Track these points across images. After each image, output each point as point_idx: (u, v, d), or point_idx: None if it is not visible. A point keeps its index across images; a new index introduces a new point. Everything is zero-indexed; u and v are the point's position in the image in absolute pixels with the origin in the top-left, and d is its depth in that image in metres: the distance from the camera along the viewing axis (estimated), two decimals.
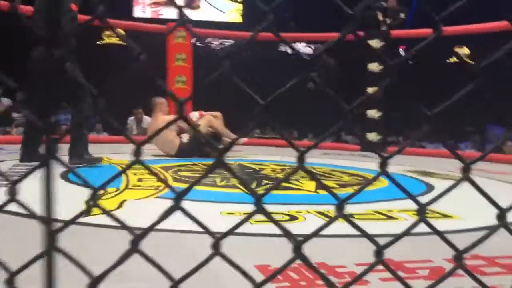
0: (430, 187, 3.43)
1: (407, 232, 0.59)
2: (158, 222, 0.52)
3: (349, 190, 3.14)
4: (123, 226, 0.52)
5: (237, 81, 0.50)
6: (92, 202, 0.50)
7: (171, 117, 4.88)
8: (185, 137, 5.16)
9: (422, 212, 0.57)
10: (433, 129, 0.55)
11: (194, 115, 5.67)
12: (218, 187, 3.07)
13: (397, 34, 6.87)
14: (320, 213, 2.35)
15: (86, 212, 0.51)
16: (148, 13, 12.24)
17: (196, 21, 11.07)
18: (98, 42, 10.42)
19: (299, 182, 3.28)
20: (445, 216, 2.38)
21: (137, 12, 12.41)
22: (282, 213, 2.30)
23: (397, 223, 2.22)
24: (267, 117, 0.50)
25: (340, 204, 0.56)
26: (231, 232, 0.55)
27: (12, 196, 0.49)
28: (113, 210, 2.27)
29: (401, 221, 2.25)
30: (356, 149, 7.05)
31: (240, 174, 3.82)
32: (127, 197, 2.58)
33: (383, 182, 3.44)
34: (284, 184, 3.21)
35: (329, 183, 3.48)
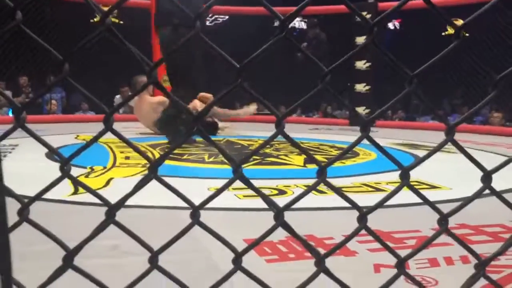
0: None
1: (391, 196, 0.58)
2: (133, 192, 0.50)
3: (338, 164, 3.14)
4: (97, 196, 0.50)
5: (211, 44, 0.48)
6: (65, 172, 0.48)
7: (157, 99, 4.80)
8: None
9: (405, 177, 0.56)
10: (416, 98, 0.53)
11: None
12: (206, 164, 3.06)
13: (385, 6, 6.81)
14: (308, 187, 2.35)
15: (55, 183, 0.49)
16: None
17: None
18: (91, 20, 10.20)
19: (288, 157, 3.28)
20: (434, 187, 2.39)
21: None
22: (270, 188, 2.30)
23: (385, 195, 2.22)
24: (243, 83, 0.48)
25: (322, 170, 0.54)
26: (211, 199, 0.53)
27: None
28: (100, 189, 2.25)
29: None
30: (345, 124, 7.09)
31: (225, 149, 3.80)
32: (114, 175, 2.56)
33: (371, 155, 3.46)
34: (272, 159, 3.20)
35: (318, 157, 3.48)
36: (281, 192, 2.23)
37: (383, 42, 12.04)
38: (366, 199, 2.15)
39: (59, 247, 0.51)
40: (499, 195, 0.55)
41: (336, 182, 2.44)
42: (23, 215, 0.47)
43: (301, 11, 0.46)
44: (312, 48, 7.55)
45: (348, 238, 0.57)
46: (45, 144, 0.49)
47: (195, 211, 0.52)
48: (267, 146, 4.08)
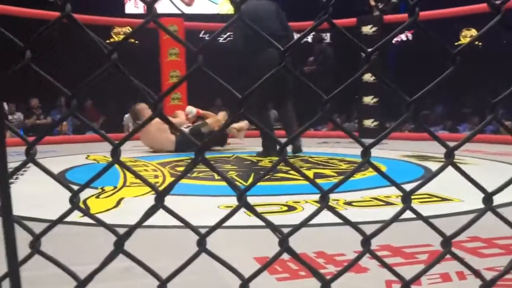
0: (428, 171, 3.43)
1: (393, 220, 0.59)
2: (141, 222, 0.51)
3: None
4: (106, 227, 0.51)
5: (214, 76, 0.49)
6: (75, 204, 0.49)
7: (159, 120, 4.82)
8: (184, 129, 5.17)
9: (407, 200, 0.56)
10: (414, 115, 0.54)
11: (191, 111, 5.65)
12: (216, 181, 3.07)
13: (390, 19, 6.83)
14: (318, 202, 2.34)
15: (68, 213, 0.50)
16: (141, 8, 12.19)
17: (189, 15, 10.98)
18: (107, 41, 10.37)
19: None
20: (445, 199, 2.37)
21: (130, 8, 12.37)
22: (280, 204, 2.30)
23: (396, 208, 2.21)
24: (246, 110, 0.49)
25: (324, 194, 0.55)
26: (215, 228, 0.54)
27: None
28: (110, 209, 2.27)
29: (400, 207, 2.24)
30: None
31: (237, 167, 3.82)
32: (125, 195, 2.58)
33: (381, 168, 3.44)
34: (282, 175, 3.20)
35: (327, 172, 3.48)
36: (291, 209, 2.23)
37: (391, 54, 12.03)
38: (376, 214, 2.15)
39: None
40: (501, 217, 0.55)
41: (345, 196, 2.44)
42: (35, 247, 0.48)
43: (299, 43, 0.47)
44: (319, 63, 7.58)
45: (351, 264, 0.58)
46: (54, 177, 0.50)
47: (201, 239, 0.53)
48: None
